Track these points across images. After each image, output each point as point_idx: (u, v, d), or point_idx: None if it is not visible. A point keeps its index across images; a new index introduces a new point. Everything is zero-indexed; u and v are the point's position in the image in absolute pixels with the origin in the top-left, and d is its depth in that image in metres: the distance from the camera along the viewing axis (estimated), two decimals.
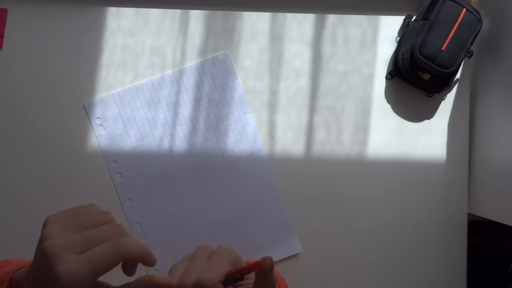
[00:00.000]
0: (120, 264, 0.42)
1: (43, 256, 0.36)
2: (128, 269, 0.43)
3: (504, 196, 0.63)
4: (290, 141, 0.71)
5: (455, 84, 0.73)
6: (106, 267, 0.38)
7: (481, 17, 0.68)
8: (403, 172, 0.71)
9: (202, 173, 0.70)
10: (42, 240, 0.37)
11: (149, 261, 0.41)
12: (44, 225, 0.39)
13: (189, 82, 0.71)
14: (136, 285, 0.42)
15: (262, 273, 0.41)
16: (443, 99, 0.73)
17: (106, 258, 0.37)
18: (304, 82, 0.72)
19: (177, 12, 0.72)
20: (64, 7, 0.71)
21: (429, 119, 0.73)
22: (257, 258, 0.47)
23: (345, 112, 0.72)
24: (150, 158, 0.69)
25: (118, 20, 0.72)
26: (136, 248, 0.39)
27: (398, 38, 0.73)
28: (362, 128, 0.72)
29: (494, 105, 0.69)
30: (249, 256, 0.68)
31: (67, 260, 0.35)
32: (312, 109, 0.72)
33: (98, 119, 0.70)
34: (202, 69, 0.71)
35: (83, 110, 0.70)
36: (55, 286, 0.35)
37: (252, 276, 0.45)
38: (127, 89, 0.70)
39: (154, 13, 0.72)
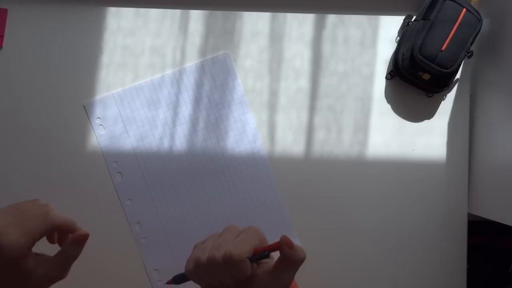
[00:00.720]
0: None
1: None
2: (60, 240, 0.54)
3: (504, 196, 0.63)
4: (290, 141, 0.71)
5: (455, 84, 0.73)
6: (39, 234, 0.48)
7: (481, 17, 0.68)
8: (403, 172, 0.71)
9: (202, 173, 0.70)
10: None
11: (74, 229, 0.52)
12: None
13: (189, 82, 0.71)
14: (65, 246, 0.52)
15: (283, 250, 0.45)
16: (443, 99, 0.73)
17: (38, 227, 0.48)
18: (304, 82, 0.72)
19: (177, 12, 0.72)
20: (64, 7, 0.71)
21: (429, 119, 0.73)
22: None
23: (345, 112, 0.72)
24: (150, 158, 0.70)
25: (118, 20, 0.72)
26: (62, 218, 0.50)
27: (398, 38, 0.73)
28: (362, 128, 0.72)
29: (494, 105, 0.69)
30: None
31: (7, 233, 0.46)
32: (312, 109, 0.72)
33: (98, 119, 0.70)
34: (202, 69, 0.71)
35: (83, 110, 0.70)
36: (2, 256, 0.45)
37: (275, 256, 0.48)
38: (127, 89, 0.70)
39: (154, 13, 0.72)
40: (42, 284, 0.50)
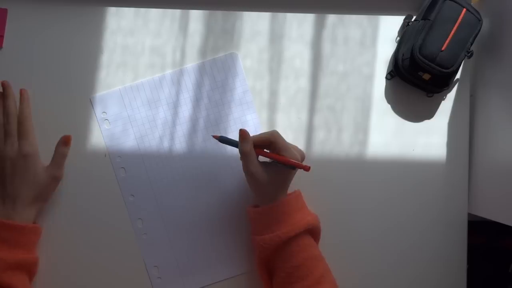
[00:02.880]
0: None
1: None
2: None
3: (504, 196, 0.63)
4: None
5: (455, 84, 0.73)
6: (31, 132, 0.67)
7: (481, 17, 0.68)
8: (403, 172, 0.71)
9: (205, 172, 0.70)
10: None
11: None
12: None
13: (202, 80, 0.71)
14: (57, 147, 0.68)
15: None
16: (443, 99, 0.73)
17: (27, 129, 0.66)
18: (304, 82, 0.72)
19: (177, 12, 0.72)
20: (64, 7, 0.71)
21: (429, 119, 0.73)
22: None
23: (345, 112, 0.72)
24: (154, 154, 0.70)
25: (118, 20, 0.72)
26: (28, 109, 0.67)
27: (398, 38, 0.73)
28: (362, 128, 0.72)
29: (494, 105, 0.69)
30: (250, 256, 0.68)
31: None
32: (312, 109, 0.72)
33: (104, 113, 0.70)
34: (210, 67, 0.71)
35: (85, 107, 0.70)
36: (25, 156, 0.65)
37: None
38: (134, 84, 0.70)
39: (154, 13, 0.72)
40: (47, 180, 0.65)
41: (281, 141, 0.61)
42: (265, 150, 0.63)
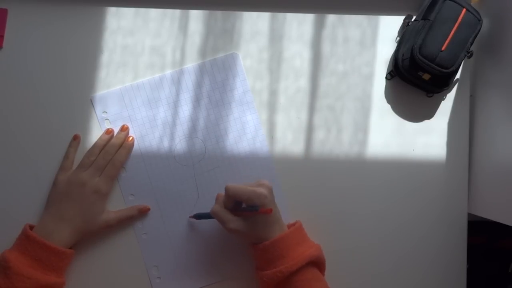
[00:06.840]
0: None
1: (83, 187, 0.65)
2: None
3: (504, 196, 0.63)
4: (290, 141, 0.71)
5: (455, 84, 0.73)
6: (115, 177, 0.68)
7: (481, 17, 0.68)
8: (403, 172, 0.71)
9: (207, 171, 0.70)
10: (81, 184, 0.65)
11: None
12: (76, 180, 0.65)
13: (203, 79, 0.71)
14: (131, 208, 0.68)
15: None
16: (443, 99, 0.73)
17: (113, 172, 0.67)
18: (304, 82, 0.72)
19: (177, 12, 0.72)
20: (64, 7, 0.71)
21: (429, 119, 0.73)
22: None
23: (345, 112, 0.72)
24: (154, 154, 0.70)
25: (118, 20, 0.72)
26: (125, 157, 0.69)
27: (398, 38, 0.73)
28: (362, 128, 0.72)
29: (494, 105, 0.69)
30: (250, 257, 0.68)
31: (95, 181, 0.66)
32: (312, 109, 0.72)
33: (104, 113, 0.70)
34: (210, 67, 0.71)
35: (85, 107, 0.70)
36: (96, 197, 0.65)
37: None
38: (135, 84, 0.70)
39: (154, 13, 0.72)
40: (102, 223, 0.65)
41: (234, 190, 0.60)
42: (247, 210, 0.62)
